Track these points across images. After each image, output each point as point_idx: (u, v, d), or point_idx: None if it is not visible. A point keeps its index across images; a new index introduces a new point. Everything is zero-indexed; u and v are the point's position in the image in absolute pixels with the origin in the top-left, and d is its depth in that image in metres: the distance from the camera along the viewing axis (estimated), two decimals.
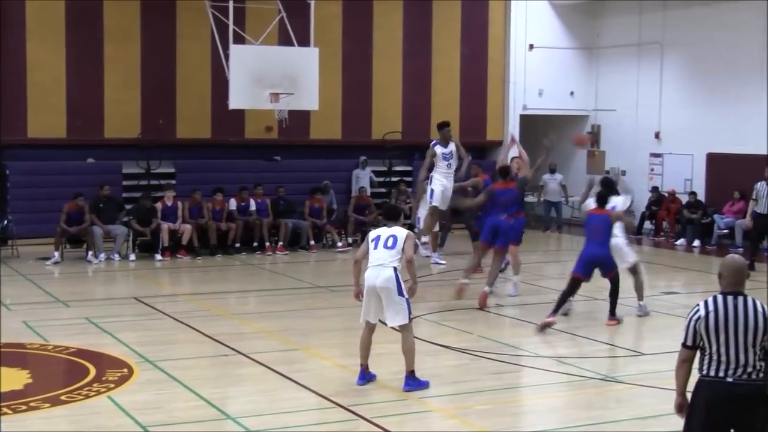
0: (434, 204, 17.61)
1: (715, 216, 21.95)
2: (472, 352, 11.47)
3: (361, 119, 24.11)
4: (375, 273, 9.72)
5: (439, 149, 17.67)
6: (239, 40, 20.22)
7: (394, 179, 24.00)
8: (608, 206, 13.21)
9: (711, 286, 15.59)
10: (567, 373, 10.56)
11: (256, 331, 12.78)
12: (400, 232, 9.88)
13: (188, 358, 11.27)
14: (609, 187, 14.10)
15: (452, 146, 17.76)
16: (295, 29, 20.64)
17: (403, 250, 9.72)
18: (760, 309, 6.04)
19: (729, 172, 22.22)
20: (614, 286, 13.16)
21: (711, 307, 6.06)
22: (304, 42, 20.64)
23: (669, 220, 23.26)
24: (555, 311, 12.80)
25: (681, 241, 22.35)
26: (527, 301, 14.95)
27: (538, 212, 25.68)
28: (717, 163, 22.71)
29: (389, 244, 9.78)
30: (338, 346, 11.83)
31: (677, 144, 23.89)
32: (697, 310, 6.10)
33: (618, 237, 13.49)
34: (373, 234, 10.03)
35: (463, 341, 12.05)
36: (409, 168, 24.34)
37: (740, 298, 6.06)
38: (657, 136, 24.50)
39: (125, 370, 10.48)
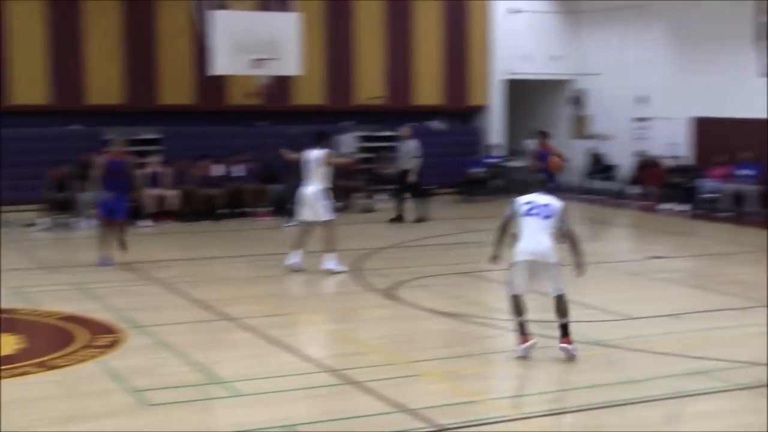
0: None
1: (700, 180, 21.87)
2: (463, 316, 11.49)
3: (344, 84, 24.06)
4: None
5: None
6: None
7: (380, 144, 23.92)
8: None
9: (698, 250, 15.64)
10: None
11: (245, 297, 12.78)
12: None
13: (177, 324, 11.26)
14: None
15: None
16: None
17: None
18: None
19: (718, 137, 22.14)
20: None
21: None
22: (285, 7, 20.58)
23: (655, 184, 23.18)
24: None
25: (668, 206, 22.25)
26: None
27: None
28: (705, 128, 22.69)
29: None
30: (326, 311, 11.82)
31: (664, 108, 23.79)
32: None
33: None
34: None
35: (451, 306, 12.05)
36: (392, 133, 24.26)
37: None
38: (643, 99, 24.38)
39: (115, 335, 10.48)
